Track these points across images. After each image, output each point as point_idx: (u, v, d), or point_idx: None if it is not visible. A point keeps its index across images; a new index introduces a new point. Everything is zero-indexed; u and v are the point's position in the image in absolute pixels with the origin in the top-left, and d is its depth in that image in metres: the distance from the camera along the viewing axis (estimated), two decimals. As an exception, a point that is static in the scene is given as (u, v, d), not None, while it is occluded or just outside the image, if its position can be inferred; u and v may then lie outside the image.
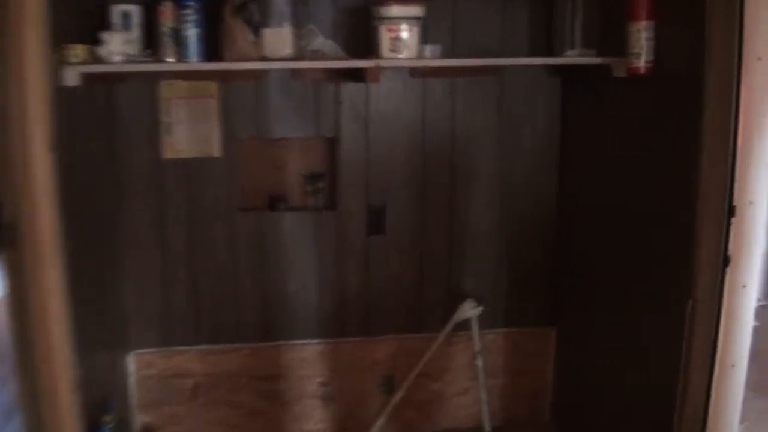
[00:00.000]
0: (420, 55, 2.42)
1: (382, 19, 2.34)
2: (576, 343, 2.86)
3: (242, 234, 2.72)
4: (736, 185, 1.89)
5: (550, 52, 2.61)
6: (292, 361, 2.85)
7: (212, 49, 2.28)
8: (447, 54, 2.59)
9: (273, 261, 2.76)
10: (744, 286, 1.97)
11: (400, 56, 2.36)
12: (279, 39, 2.33)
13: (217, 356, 2.80)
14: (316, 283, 2.81)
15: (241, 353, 2.82)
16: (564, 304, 2.93)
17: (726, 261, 1.95)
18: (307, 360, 2.87)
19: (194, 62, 2.25)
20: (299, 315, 2.83)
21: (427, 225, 2.84)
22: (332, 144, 2.74)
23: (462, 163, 2.81)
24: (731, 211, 1.92)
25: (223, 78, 2.56)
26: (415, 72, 2.67)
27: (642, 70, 2.18)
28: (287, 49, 2.35)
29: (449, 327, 2.79)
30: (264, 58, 2.32)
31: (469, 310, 2.77)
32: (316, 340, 2.86)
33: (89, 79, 2.16)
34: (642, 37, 2.15)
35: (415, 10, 2.34)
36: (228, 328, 2.79)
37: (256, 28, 2.30)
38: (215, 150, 2.64)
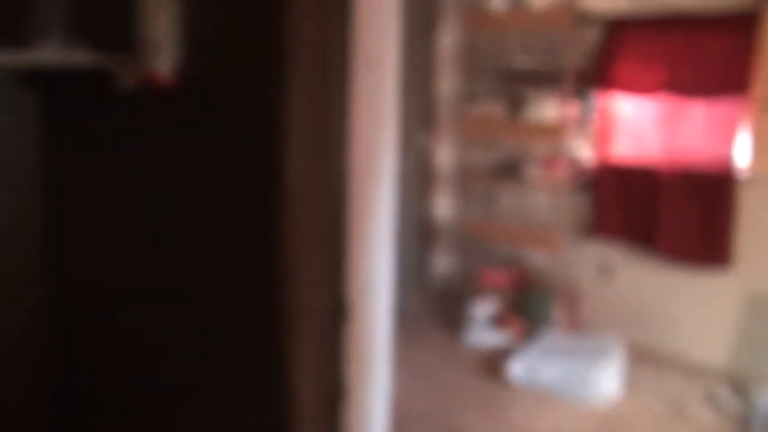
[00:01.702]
0: None
1: None
2: None
3: None
4: (349, 272, 1.12)
5: (15, 44, 1.49)
6: None
7: None
8: None
9: None
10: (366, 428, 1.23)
11: None
12: None
13: None
14: None
15: None
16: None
17: (337, 396, 1.18)
18: None
19: None
20: None
21: None
22: None
23: None
24: (342, 314, 1.15)
25: None
26: None
27: (164, 80, 1.27)
28: None
29: None
30: None
31: None
32: None
33: None
34: (163, 25, 1.24)
35: None
36: None
37: None
38: None
